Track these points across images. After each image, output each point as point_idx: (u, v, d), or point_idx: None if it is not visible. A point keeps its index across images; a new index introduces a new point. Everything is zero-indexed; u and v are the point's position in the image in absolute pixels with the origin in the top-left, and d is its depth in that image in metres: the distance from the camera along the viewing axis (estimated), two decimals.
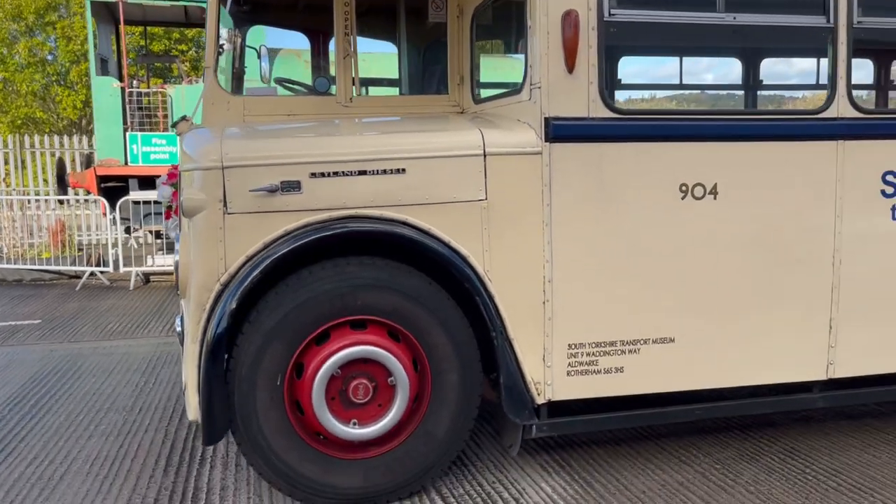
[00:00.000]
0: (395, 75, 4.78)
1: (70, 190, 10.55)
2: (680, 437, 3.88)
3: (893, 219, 3.50)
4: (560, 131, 3.12)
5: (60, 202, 11.25)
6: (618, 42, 3.62)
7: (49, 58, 21.31)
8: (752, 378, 3.47)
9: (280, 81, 4.47)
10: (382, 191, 3.04)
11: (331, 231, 2.97)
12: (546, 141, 3.11)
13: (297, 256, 2.97)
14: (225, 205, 2.96)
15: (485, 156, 3.10)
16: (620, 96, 4.29)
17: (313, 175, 3.00)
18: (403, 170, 3.05)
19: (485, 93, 3.97)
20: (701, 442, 3.81)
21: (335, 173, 3.01)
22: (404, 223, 3.05)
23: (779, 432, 3.94)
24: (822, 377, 3.52)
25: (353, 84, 4.10)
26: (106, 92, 10.09)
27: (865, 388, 3.74)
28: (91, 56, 10.41)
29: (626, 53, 4.30)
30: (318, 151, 3.04)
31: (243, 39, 4.88)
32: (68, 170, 11.19)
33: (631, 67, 4.28)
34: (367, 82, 4.81)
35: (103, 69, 10.69)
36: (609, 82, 3.68)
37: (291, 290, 2.97)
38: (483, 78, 4.10)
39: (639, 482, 3.36)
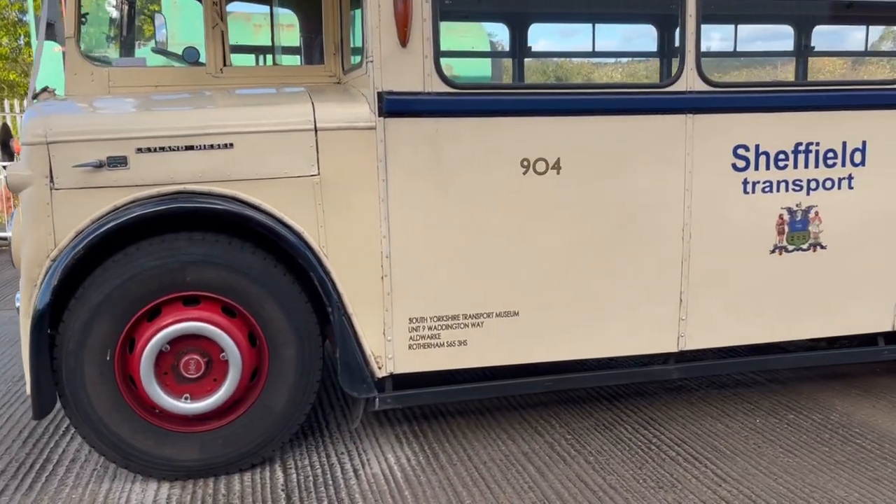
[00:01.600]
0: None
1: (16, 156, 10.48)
2: (546, 406, 3.93)
3: (745, 192, 3.51)
4: (394, 106, 3.09)
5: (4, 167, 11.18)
6: (453, 13, 3.58)
7: (24, 17, 20.92)
8: (601, 351, 3.51)
9: (157, 51, 4.42)
10: (211, 166, 3.03)
11: (156, 207, 2.96)
12: (380, 116, 3.09)
13: (125, 232, 2.97)
14: (52, 180, 2.95)
15: (316, 130, 3.08)
16: (457, 69, 4.24)
17: (140, 150, 2.98)
18: (231, 144, 3.03)
19: (353, 62, 3.92)
20: (564, 412, 3.86)
21: (161, 148, 2.99)
22: (233, 199, 3.04)
23: (644, 401, 3.98)
24: (674, 349, 3.56)
25: (224, 53, 4.04)
26: (47, 56, 9.94)
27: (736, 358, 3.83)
28: (31, 19, 10.26)
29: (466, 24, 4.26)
30: (144, 126, 3.02)
31: (131, 6, 4.81)
32: (13, 135, 11.09)
33: (472, 39, 4.22)
34: (240, 50, 4.75)
35: (49, 33, 10.53)
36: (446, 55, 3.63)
37: (118, 266, 2.97)
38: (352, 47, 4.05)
39: (484, 452, 3.40)
